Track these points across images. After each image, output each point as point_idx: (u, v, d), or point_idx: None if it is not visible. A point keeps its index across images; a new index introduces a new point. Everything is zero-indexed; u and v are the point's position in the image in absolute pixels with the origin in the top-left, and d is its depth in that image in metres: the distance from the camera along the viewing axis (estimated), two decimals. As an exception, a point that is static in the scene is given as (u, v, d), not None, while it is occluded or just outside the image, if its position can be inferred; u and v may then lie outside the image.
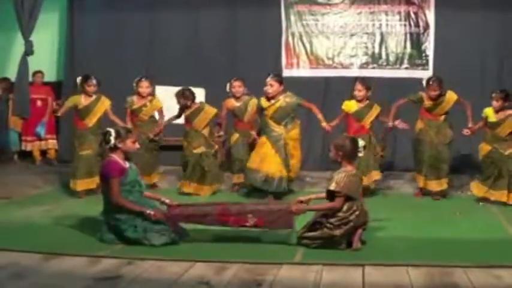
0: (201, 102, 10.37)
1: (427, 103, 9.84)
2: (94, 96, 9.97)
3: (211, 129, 10.30)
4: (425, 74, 11.87)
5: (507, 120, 9.42)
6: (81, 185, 9.80)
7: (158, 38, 12.59)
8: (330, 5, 12.53)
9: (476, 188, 9.63)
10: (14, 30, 11.54)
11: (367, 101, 9.97)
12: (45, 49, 12.11)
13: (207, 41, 12.49)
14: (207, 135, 10.19)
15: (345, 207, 6.67)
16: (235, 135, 10.46)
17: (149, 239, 6.73)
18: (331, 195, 6.81)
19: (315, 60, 12.61)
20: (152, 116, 10.59)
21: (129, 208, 6.80)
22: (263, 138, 9.74)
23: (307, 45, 12.59)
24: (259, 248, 6.76)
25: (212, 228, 7.05)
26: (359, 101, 9.94)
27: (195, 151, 10.06)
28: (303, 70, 12.56)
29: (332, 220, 6.67)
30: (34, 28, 11.03)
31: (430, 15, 12.24)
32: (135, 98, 10.47)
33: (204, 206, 7.40)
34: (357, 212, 6.68)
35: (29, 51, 10.99)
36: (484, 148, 9.62)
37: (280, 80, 9.81)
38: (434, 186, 9.86)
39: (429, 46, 12.28)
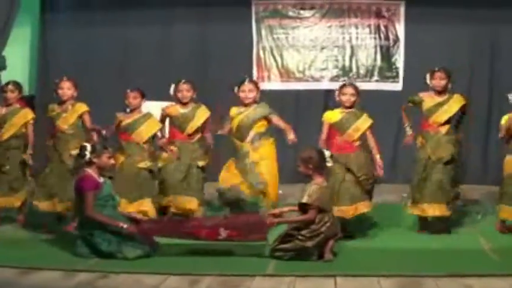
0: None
1: (428, 102, 8.18)
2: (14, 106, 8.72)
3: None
4: (395, 87, 12.04)
5: None
6: None
7: (130, 52, 12.60)
8: (300, 18, 12.61)
9: (507, 213, 7.96)
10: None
11: (354, 109, 8.20)
12: (18, 63, 12.07)
13: (179, 55, 12.51)
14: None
15: (316, 219, 6.76)
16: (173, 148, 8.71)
17: (123, 253, 6.77)
18: (303, 207, 6.90)
19: (286, 74, 12.67)
20: (76, 125, 8.51)
21: (102, 222, 6.84)
22: (229, 161, 8.55)
23: (278, 59, 12.66)
24: (232, 261, 6.81)
25: (185, 242, 7.08)
26: (346, 107, 8.16)
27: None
28: (274, 83, 12.58)
29: (304, 232, 6.75)
30: (7, 43, 11.03)
31: (400, 28, 12.36)
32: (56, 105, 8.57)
33: (176, 220, 7.46)
34: (328, 224, 6.78)
35: (1, 65, 10.98)
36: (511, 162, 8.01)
37: (258, 85, 8.75)
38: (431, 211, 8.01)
39: (399, 59, 12.40)
